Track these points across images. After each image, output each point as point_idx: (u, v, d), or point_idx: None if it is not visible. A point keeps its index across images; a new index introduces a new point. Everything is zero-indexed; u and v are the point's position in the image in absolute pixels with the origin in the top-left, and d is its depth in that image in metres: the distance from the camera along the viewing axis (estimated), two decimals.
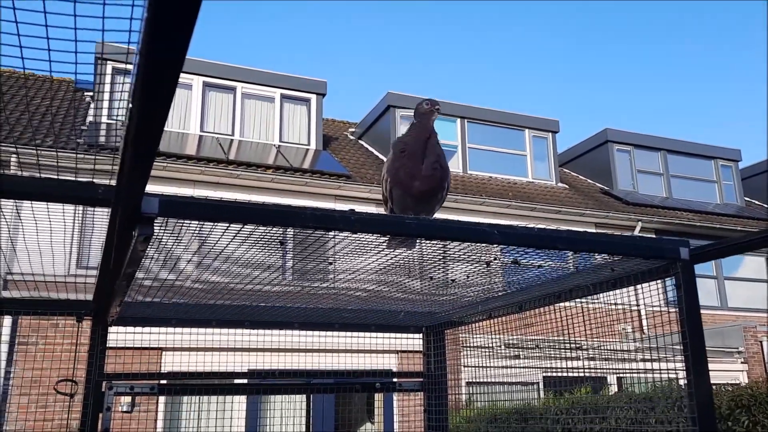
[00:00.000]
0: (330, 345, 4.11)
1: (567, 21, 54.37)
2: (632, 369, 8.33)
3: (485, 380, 3.46)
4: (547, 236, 1.90)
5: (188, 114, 11.58)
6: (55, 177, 1.53)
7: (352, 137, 14.62)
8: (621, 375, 8.86)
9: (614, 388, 8.52)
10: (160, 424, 8.30)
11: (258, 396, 4.57)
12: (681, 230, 13.13)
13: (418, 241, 2.05)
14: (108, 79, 7.85)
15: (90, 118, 10.80)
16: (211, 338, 3.35)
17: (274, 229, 1.80)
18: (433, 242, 2.02)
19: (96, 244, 2.40)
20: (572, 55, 56.66)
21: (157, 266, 2.16)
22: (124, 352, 4.09)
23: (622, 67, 56.23)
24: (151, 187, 1.40)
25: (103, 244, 1.94)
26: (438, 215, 2.44)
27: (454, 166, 12.89)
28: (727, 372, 11.07)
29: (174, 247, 1.96)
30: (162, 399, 7.88)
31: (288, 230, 1.86)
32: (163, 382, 3.26)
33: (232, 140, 11.59)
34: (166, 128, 1.87)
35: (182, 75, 0.99)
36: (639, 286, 2.28)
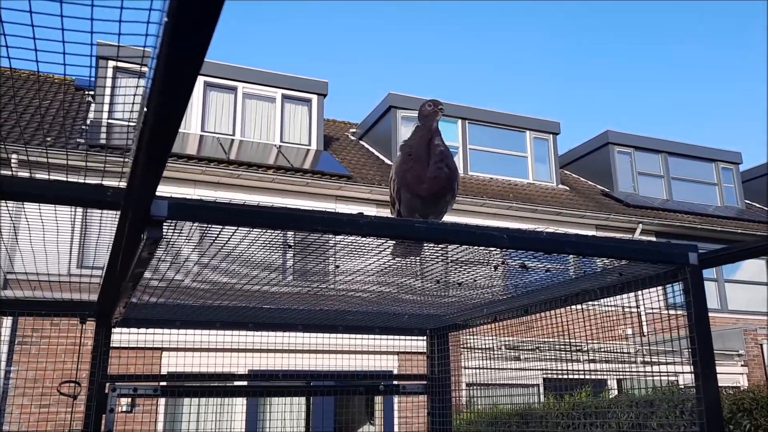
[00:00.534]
0: (331, 346, 4.09)
1: (568, 22, 54.41)
2: (633, 371, 8.32)
3: (487, 382, 3.45)
4: (555, 241, 1.89)
5: (189, 114, 11.56)
6: (64, 179, 1.52)
7: (353, 138, 14.61)
8: (622, 378, 8.85)
9: (615, 392, 8.51)
10: (160, 425, 8.29)
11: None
12: (681, 233, 13.13)
13: (425, 245, 2.04)
14: (110, 80, 7.84)
15: (90, 118, 10.79)
16: (211, 339, 3.33)
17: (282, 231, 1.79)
18: (440, 245, 2.01)
19: (95, 241, 2.39)
20: (573, 57, 56.71)
21: (164, 267, 2.15)
22: (121, 352, 4.07)
23: (623, 69, 56.30)
24: None
25: (110, 246, 1.93)
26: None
27: None
28: (727, 375, 11.07)
29: (181, 248, 1.96)
30: (162, 399, 7.87)
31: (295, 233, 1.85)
32: (165, 384, 3.25)
33: (232, 140, 11.58)
34: None
35: None
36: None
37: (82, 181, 1.54)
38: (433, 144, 2.35)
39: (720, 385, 2.08)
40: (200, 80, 11.67)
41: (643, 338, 10.11)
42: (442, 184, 2.32)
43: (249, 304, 2.86)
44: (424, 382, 3.49)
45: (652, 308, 2.32)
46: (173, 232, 1.70)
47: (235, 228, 1.71)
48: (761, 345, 11.89)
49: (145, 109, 0.98)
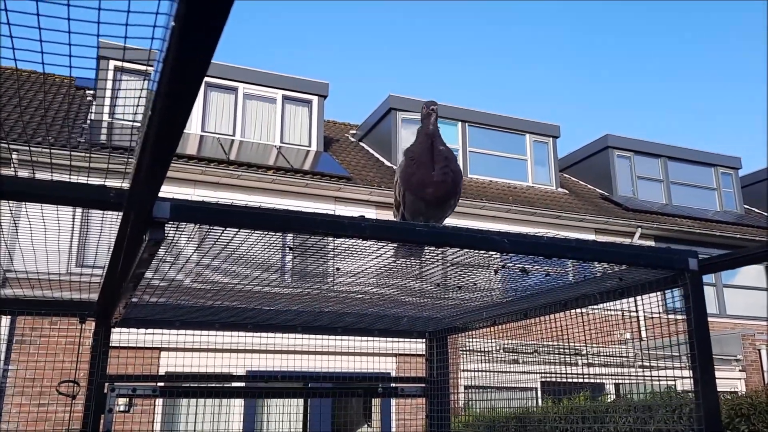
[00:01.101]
0: (328, 347, 4.09)
1: (569, 26, 54.49)
2: (631, 375, 8.32)
3: (485, 385, 3.45)
4: (556, 245, 1.89)
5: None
6: (67, 180, 1.52)
7: (353, 139, 14.61)
8: (619, 382, 8.85)
9: (612, 396, 8.50)
10: (157, 426, 8.27)
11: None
12: (680, 237, 13.13)
13: (427, 248, 2.04)
14: (111, 77, 7.84)
15: (91, 118, 10.79)
16: (209, 339, 3.32)
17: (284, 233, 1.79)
18: (441, 249, 2.02)
19: (95, 241, 2.39)
20: (574, 61, 56.76)
21: (165, 267, 2.15)
22: (119, 352, 4.07)
23: (624, 73, 56.36)
24: None
25: (111, 246, 1.93)
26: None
27: None
28: (725, 380, 11.06)
29: (182, 248, 1.96)
30: (160, 399, 7.86)
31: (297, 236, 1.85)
32: (164, 384, 3.25)
33: (233, 141, 11.58)
34: None
35: None
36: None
37: (85, 181, 1.55)
38: (435, 147, 2.35)
39: (718, 390, 2.09)
40: None
41: (641, 343, 10.10)
42: (447, 188, 2.32)
43: (248, 305, 2.86)
44: (423, 385, 3.49)
45: (651, 313, 2.32)
46: (175, 233, 1.70)
47: (237, 230, 1.71)
48: (759, 350, 11.90)
49: (150, 112, 0.98)
